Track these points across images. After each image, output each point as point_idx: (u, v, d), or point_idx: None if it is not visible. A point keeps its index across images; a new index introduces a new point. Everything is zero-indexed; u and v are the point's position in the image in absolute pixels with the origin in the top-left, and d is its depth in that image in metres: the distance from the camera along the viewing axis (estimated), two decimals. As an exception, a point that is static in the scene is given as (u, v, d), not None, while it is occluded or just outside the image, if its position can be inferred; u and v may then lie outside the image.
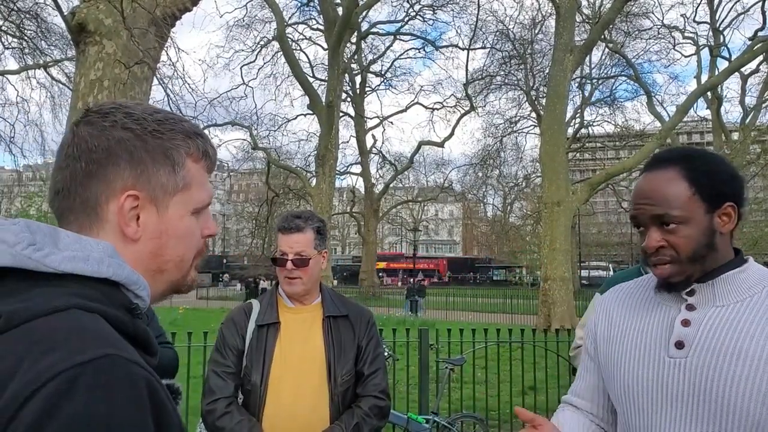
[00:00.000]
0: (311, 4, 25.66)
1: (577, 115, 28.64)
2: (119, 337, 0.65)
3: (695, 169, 1.18)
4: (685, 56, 29.20)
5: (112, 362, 0.59)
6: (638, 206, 1.21)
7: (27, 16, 15.03)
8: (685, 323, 1.18)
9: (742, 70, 22.23)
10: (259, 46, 26.34)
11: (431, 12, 27.71)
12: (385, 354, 5.03)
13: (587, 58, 22.68)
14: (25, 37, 16.04)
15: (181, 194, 0.76)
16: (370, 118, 34.40)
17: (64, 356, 0.58)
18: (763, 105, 24.81)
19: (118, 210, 0.72)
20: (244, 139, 26.95)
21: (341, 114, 26.29)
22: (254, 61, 26.71)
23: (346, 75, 27.76)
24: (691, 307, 1.19)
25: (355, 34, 25.69)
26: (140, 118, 0.73)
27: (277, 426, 1.97)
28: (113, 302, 0.68)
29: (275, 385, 2.00)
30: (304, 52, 30.91)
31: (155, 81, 6.01)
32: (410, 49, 38.17)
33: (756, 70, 24.33)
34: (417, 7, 27.39)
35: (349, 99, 31.75)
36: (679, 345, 1.17)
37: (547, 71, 21.73)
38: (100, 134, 0.72)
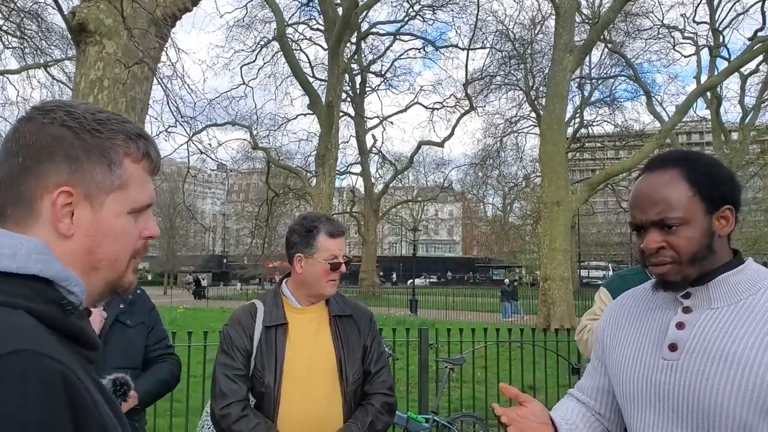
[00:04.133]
0: (311, 4, 25.71)
1: (577, 115, 28.68)
2: (42, 332, 0.64)
3: (695, 170, 1.17)
4: (685, 56, 29.28)
5: (24, 357, 0.59)
6: (638, 208, 1.20)
7: (27, 15, 15.01)
8: (680, 326, 1.19)
9: (742, 70, 22.21)
10: (259, 46, 26.40)
11: (431, 12, 27.80)
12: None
13: (587, 58, 22.70)
14: (26, 37, 16.01)
15: (117, 193, 0.76)
16: (370, 118, 34.50)
17: None
18: (763, 105, 24.79)
19: (51, 205, 0.72)
20: (244, 139, 26.93)
21: (341, 114, 26.31)
22: (254, 61, 26.80)
23: (346, 75, 27.76)
24: (687, 310, 1.19)
25: (355, 34, 25.72)
26: (80, 116, 0.74)
27: (292, 427, 1.97)
28: (43, 298, 0.68)
29: (288, 387, 1.99)
30: (304, 52, 30.94)
31: (155, 81, 6.00)
32: (410, 49, 38.15)
33: (755, 70, 24.31)
34: (417, 7, 27.47)
35: (349, 99, 31.78)
36: (673, 347, 1.18)
37: (546, 71, 21.76)
38: (38, 131, 0.73)
